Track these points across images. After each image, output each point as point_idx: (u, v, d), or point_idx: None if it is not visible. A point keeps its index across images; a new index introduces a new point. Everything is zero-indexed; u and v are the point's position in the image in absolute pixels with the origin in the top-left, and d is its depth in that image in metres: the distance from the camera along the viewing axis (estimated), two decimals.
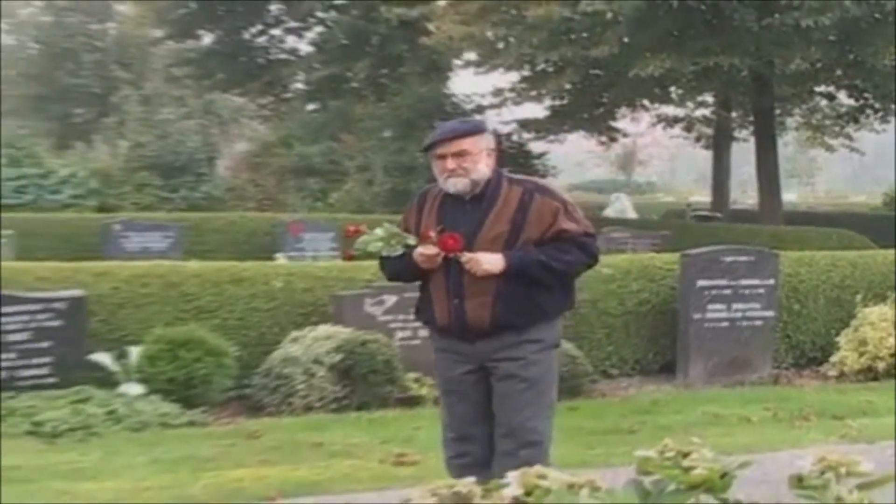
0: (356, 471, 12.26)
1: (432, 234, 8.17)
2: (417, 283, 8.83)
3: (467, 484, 4.71)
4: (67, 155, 43.35)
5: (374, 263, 18.62)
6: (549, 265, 8.32)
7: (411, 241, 8.31)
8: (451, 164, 8.30)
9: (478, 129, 8.60)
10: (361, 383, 15.26)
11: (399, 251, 8.36)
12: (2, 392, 14.36)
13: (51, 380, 14.65)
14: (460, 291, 8.32)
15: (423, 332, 16.41)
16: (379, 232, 8.37)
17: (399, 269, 8.68)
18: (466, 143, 8.34)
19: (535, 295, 8.38)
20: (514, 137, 43.59)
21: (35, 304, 14.81)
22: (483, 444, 8.56)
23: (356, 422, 14.57)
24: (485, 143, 8.47)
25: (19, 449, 12.92)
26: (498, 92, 42.05)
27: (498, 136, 8.70)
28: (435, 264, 8.30)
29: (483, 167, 8.36)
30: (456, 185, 8.34)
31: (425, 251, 8.21)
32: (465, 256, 8.13)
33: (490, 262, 8.17)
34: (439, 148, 8.39)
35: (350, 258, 10.85)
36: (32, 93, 61.07)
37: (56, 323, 14.85)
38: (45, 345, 14.73)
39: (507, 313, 8.29)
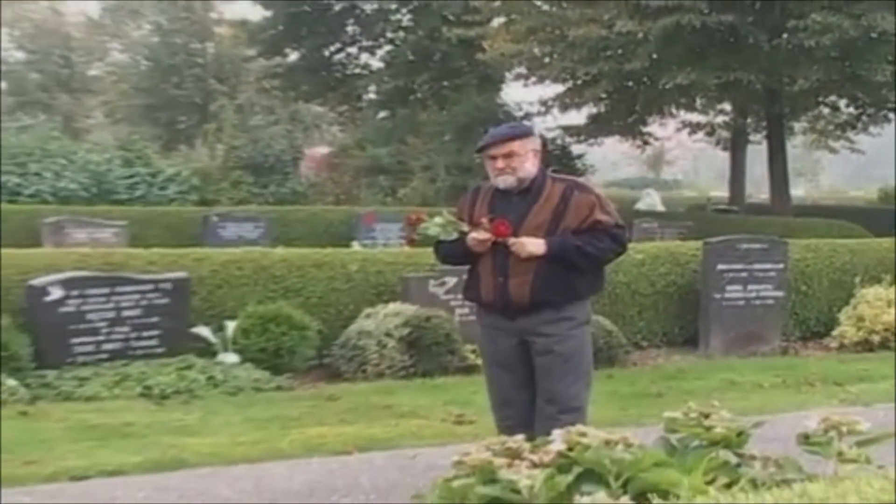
0: (421, 429, 12.28)
1: (484, 220, 8.36)
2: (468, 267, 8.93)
3: (517, 440, 4.73)
4: (172, 156, 43.42)
5: None
6: (585, 250, 8.45)
7: (465, 227, 8.49)
8: (501, 163, 8.45)
9: (525, 133, 8.74)
10: (426, 353, 15.32)
11: (454, 236, 8.53)
12: (118, 360, 14.49)
13: (159, 350, 14.74)
14: (505, 271, 8.43)
15: None
16: (438, 219, 8.57)
17: (452, 252, 8.83)
18: (515, 146, 8.48)
19: (570, 277, 8.49)
20: (558, 141, 43.48)
21: (145, 285, 14.89)
22: (524, 408, 8.61)
23: (421, 387, 14.63)
24: (531, 145, 8.59)
25: (133, 409, 13.02)
26: (544, 101, 42.14)
27: (543, 139, 8.73)
28: (485, 248, 8.43)
29: (529, 166, 8.50)
30: (505, 181, 8.48)
31: (478, 236, 8.37)
32: (512, 240, 8.30)
33: (534, 245, 8.31)
34: (491, 150, 8.53)
35: (412, 242, 10.99)
36: (142, 103, 61.21)
37: (163, 301, 14.93)
38: (154, 319, 14.81)
39: (544, 292, 8.40)
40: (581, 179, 9.15)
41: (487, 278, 8.57)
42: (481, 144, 8.75)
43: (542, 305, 8.45)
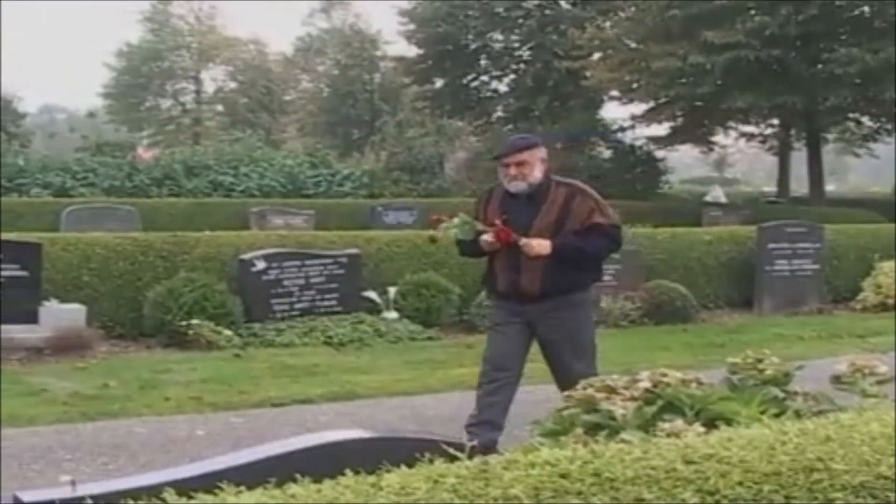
0: (530, 371, 12.25)
1: (497, 221, 7.97)
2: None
3: (616, 379, 4.72)
4: (347, 161, 43.55)
5: None
6: (585, 250, 8.13)
7: (480, 227, 8.08)
8: (514, 171, 8.11)
9: (534, 144, 8.38)
10: None
11: (471, 235, 8.10)
12: (306, 316, 14.60)
13: (338, 308, 14.84)
14: (518, 268, 8.08)
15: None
16: (456, 220, 8.13)
17: (470, 250, 8.49)
18: (525, 155, 8.14)
19: (573, 271, 8.13)
20: (644, 148, 43.24)
21: (327, 259, 14.98)
22: (513, 377, 8.37)
23: None
24: (539, 154, 8.26)
25: (318, 353, 13.15)
26: (633, 117, 42.07)
27: (547, 149, 8.22)
28: (495, 248, 8.10)
29: (537, 173, 8.15)
30: (517, 186, 8.13)
31: (489, 238, 8.02)
32: (522, 241, 7.94)
33: (541, 246, 7.95)
34: (505, 159, 8.19)
35: (434, 241, 10.16)
36: (325, 120, 61.55)
37: (341, 271, 15.03)
38: (334, 285, 14.91)
39: (552, 284, 8.04)
40: (583, 185, 8.63)
41: (502, 272, 8.23)
42: (497, 154, 8.49)
43: (548, 295, 8.09)
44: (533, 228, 8.04)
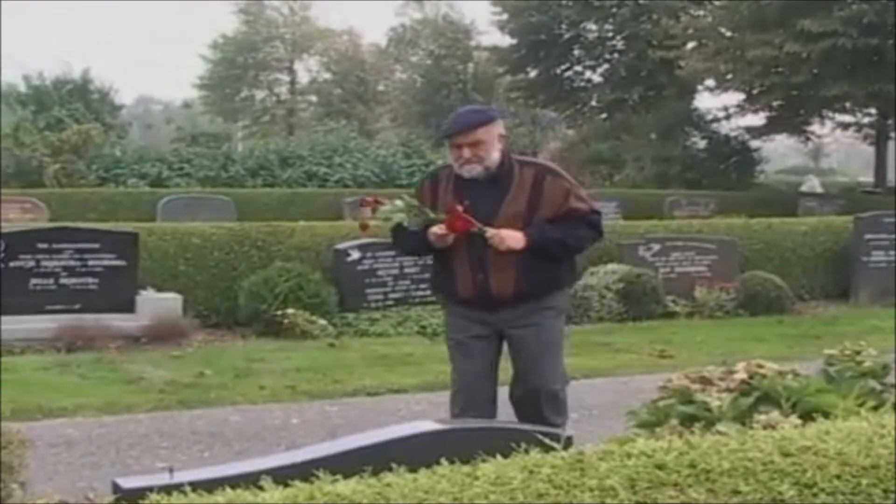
0: (632, 361, 12.25)
1: (460, 207, 6.42)
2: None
3: (711, 370, 4.69)
4: (441, 151, 43.63)
5: (649, 222, 18.53)
6: (565, 241, 6.75)
7: (432, 214, 6.59)
8: (467, 152, 6.61)
9: (490, 118, 6.81)
10: (636, 303, 15.29)
11: (420, 224, 6.61)
12: (401, 306, 14.67)
13: (431, 298, 14.68)
14: (485, 267, 6.63)
15: (680, 268, 16.38)
16: (399, 203, 6.64)
17: (415, 244, 7.01)
18: (481, 133, 6.61)
19: (552, 267, 6.77)
20: (739, 138, 42.94)
21: None
22: (487, 398, 6.87)
23: (632, 329, 14.58)
24: (496, 130, 6.72)
25: (412, 343, 13.21)
26: (727, 107, 41.82)
27: (506, 121, 6.80)
28: (446, 243, 6.63)
29: (496, 153, 6.66)
30: (471, 171, 6.64)
31: (438, 230, 6.55)
32: (490, 232, 6.46)
33: (513, 239, 6.51)
34: (457, 138, 6.66)
35: (365, 228, 8.27)
36: (418, 111, 61.58)
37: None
38: (427, 275, 14.92)
39: (528, 285, 6.67)
40: (550, 164, 7.44)
41: (464, 273, 6.75)
42: (446, 131, 6.84)
43: (525, 298, 6.72)
44: (498, 218, 6.59)
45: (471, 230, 6.45)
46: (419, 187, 7.06)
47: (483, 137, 6.62)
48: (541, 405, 6.76)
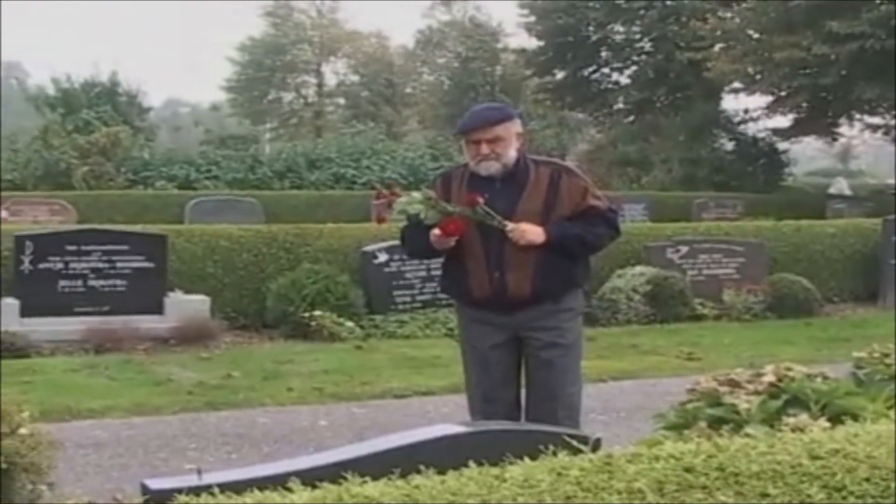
0: (660, 363, 12.24)
1: (481, 199, 6.29)
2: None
3: (740, 373, 4.68)
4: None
5: (677, 225, 18.48)
6: (584, 238, 6.57)
7: (450, 208, 6.36)
8: (485, 149, 6.45)
9: (509, 116, 6.72)
10: (663, 305, 15.28)
11: (436, 218, 6.33)
12: (428, 308, 14.67)
13: None
14: (501, 264, 6.42)
15: (708, 270, 16.35)
16: (417, 195, 6.47)
17: (421, 245, 6.73)
18: (500, 130, 6.49)
19: (568, 266, 6.56)
20: (766, 139, 42.85)
21: None
22: (509, 405, 6.64)
23: (660, 331, 14.56)
24: (514, 128, 6.63)
25: (439, 345, 13.20)
26: (755, 109, 41.86)
27: (523, 120, 6.70)
28: (447, 245, 6.45)
29: (513, 151, 6.52)
30: (489, 168, 6.46)
31: (439, 232, 6.38)
32: (510, 226, 6.31)
33: (534, 233, 6.34)
34: (475, 134, 6.52)
35: (381, 221, 7.63)
36: (446, 113, 61.53)
37: None
38: None
39: (547, 284, 6.45)
40: (565, 162, 7.41)
41: (480, 272, 6.51)
42: (464, 127, 6.69)
43: (542, 298, 6.50)
44: (515, 216, 6.41)
45: (489, 223, 6.30)
46: (430, 187, 6.76)
47: (502, 134, 6.50)
48: (555, 409, 6.53)
